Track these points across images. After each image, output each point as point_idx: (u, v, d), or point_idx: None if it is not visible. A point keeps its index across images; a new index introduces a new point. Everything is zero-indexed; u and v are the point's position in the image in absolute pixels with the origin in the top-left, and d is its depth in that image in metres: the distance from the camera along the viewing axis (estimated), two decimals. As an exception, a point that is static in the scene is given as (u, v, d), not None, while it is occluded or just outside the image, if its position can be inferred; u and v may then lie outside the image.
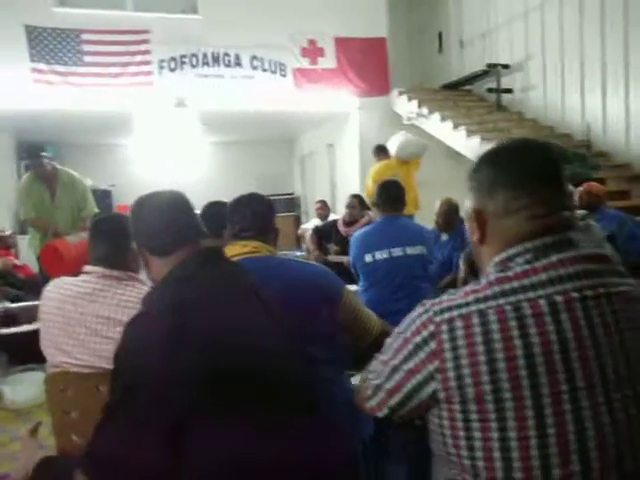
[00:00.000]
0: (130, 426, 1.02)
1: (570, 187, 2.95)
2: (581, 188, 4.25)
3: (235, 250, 1.66)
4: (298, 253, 6.79)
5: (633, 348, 0.88)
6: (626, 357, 0.87)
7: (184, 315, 1.12)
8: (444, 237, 4.24)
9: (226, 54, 7.24)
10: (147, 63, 6.87)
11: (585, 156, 5.33)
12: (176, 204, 1.35)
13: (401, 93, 7.73)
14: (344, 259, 4.32)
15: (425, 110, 7.17)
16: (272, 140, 10.38)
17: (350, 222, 4.61)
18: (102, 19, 6.72)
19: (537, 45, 6.93)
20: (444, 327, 0.90)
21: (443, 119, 6.89)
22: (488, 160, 1.00)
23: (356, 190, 7.72)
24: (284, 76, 7.45)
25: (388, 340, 1.03)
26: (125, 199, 9.39)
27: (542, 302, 0.87)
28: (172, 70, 7.03)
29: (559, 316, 0.86)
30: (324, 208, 6.46)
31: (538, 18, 6.89)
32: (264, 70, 7.38)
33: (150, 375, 1.04)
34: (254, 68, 7.35)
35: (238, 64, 7.30)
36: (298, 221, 10.17)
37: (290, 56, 7.48)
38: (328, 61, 7.68)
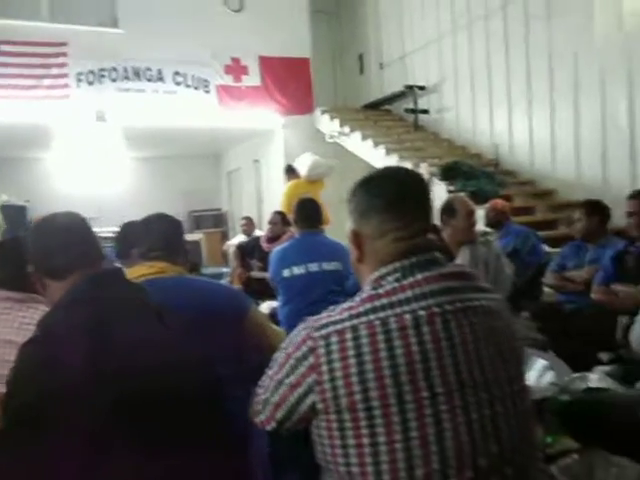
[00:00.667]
0: (24, 448, 1.03)
1: (472, 204, 3.17)
2: (487, 205, 4.53)
3: (141, 271, 1.68)
4: (224, 269, 6.77)
5: (487, 356, 0.99)
6: (481, 364, 0.98)
7: (89, 339, 1.13)
8: None
9: (148, 68, 7.17)
10: (64, 76, 6.69)
11: (493, 174, 5.68)
12: (71, 226, 1.35)
13: (324, 112, 7.92)
14: (267, 275, 4.37)
15: (347, 129, 7.39)
16: (198, 155, 10.29)
17: (272, 238, 4.69)
18: (17, 30, 6.49)
19: (450, 68, 7.33)
20: (321, 342, 0.97)
21: (364, 138, 7.13)
22: (362, 186, 1.10)
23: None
24: (208, 92, 7.46)
25: (275, 354, 1.10)
26: (41, 213, 8.97)
27: (407, 317, 0.96)
28: (91, 83, 6.88)
29: (421, 329, 0.96)
30: (249, 225, 6.49)
31: (450, 43, 7.30)
32: (187, 86, 7.36)
33: (45, 398, 1.05)
34: (177, 84, 7.32)
35: (160, 79, 7.25)
36: (225, 237, 10.10)
37: (213, 73, 7.51)
38: (252, 79, 7.77)
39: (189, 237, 6.42)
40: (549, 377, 1.89)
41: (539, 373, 1.93)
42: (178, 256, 1.78)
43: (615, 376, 2.27)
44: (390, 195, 1.06)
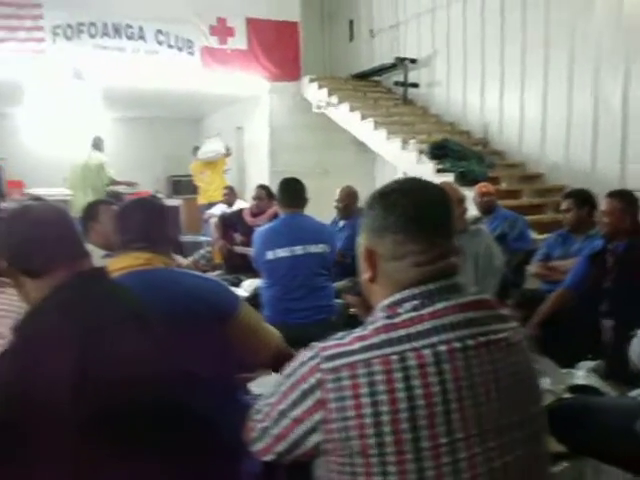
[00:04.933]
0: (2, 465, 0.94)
1: (461, 192, 3.08)
2: (476, 188, 4.45)
3: (127, 262, 1.57)
4: (203, 238, 6.63)
5: (509, 396, 0.91)
6: (501, 406, 0.90)
7: (69, 348, 1.04)
8: (341, 223, 4.34)
9: (128, 25, 6.82)
10: (39, 29, 6.32)
11: (482, 155, 5.59)
12: (54, 219, 1.23)
13: (312, 80, 7.70)
14: (250, 250, 4.26)
15: (335, 99, 7.20)
16: (179, 119, 9.98)
17: (257, 213, 4.55)
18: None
19: (442, 42, 7.14)
20: (330, 376, 0.88)
21: (352, 109, 6.95)
22: (378, 200, 0.99)
23: (266, 176, 7.65)
24: (191, 54, 7.16)
25: (278, 379, 1.00)
26: (16, 174, 8.67)
27: (426, 352, 0.87)
28: (68, 38, 6.53)
29: (442, 366, 0.87)
30: (230, 194, 6.34)
31: (444, 15, 7.08)
32: (170, 46, 7.04)
33: (30, 415, 0.96)
34: (159, 43, 7.00)
35: (141, 37, 6.92)
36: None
37: (198, 33, 7.19)
38: (238, 41, 7.47)
39: (168, 203, 6.27)
40: (545, 384, 1.85)
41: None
42: (162, 245, 1.66)
43: (599, 372, 2.26)
44: (408, 214, 0.94)
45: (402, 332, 0.89)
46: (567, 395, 1.94)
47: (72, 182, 7.01)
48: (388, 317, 0.92)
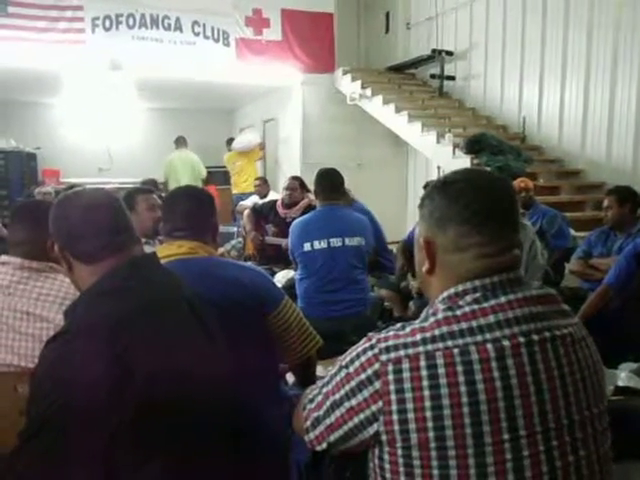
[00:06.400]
0: (47, 462, 0.94)
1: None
2: (515, 184, 4.35)
3: (171, 250, 1.57)
4: (234, 229, 6.67)
5: (572, 393, 0.89)
6: (567, 403, 0.88)
7: (119, 337, 1.03)
8: None
9: (166, 17, 6.86)
10: (79, 19, 6.41)
11: (520, 150, 5.47)
12: (107, 204, 1.22)
13: (345, 72, 7.64)
14: (282, 241, 4.26)
15: (368, 92, 7.12)
16: (211, 109, 10.03)
17: (290, 204, 4.55)
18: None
19: (481, 35, 7.00)
20: (390, 367, 0.87)
21: (385, 102, 6.88)
22: (440, 190, 0.96)
23: (298, 168, 7.64)
24: (227, 45, 7.18)
25: (330, 370, 0.99)
26: (52, 163, 8.84)
27: (489, 347, 0.85)
28: (107, 29, 6.60)
29: (505, 362, 0.85)
30: (263, 185, 6.35)
31: (483, 8, 6.95)
32: (206, 37, 7.07)
33: (74, 406, 0.95)
34: (196, 34, 7.03)
35: (178, 28, 6.95)
36: (236, 195, 9.96)
37: (234, 24, 7.19)
38: (273, 33, 7.45)
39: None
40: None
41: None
42: (207, 235, 1.66)
43: (643, 375, 2.19)
44: (475, 205, 0.92)
45: (464, 325, 0.87)
46: (614, 397, 1.89)
47: (168, 174, 7.75)
48: (449, 309, 0.90)
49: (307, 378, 1.63)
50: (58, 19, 6.32)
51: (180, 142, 8.01)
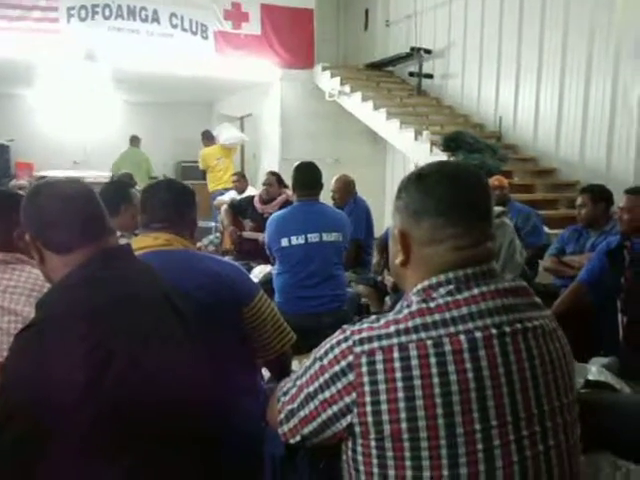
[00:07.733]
0: (17, 453, 0.92)
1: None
2: (490, 182, 4.40)
3: (146, 242, 1.55)
4: (212, 224, 6.63)
5: (543, 384, 0.90)
6: (537, 394, 0.89)
7: (95, 326, 1.01)
8: None
9: (143, 8, 6.77)
10: (53, 9, 6.28)
11: (496, 148, 5.53)
12: (81, 194, 1.20)
13: (324, 68, 7.63)
14: (259, 236, 4.25)
15: (347, 88, 7.14)
16: (189, 103, 9.91)
17: (267, 200, 4.53)
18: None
19: (459, 34, 7.06)
20: (364, 359, 0.87)
21: (364, 99, 6.89)
22: (416, 183, 0.96)
23: (276, 163, 7.61)
24: (205, 38, 7.11)
25: (305, 362, 0.99)
26: (25, 156, 8.65)
27: (462, 338, 0.86)
28: (82, 19, 6.48)
29: (477, 353, 0.86)
30: (241, 181, 6.29)
31: (462, 6, 7.01)
32: (184, 30, 6.99)
33: (45, 398, 0.94)
34: (174, 26, 6.94)
35: (156, 20, 6.86)
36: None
37: (212, 17, 7.13)
38: (252, 27, 7.41)
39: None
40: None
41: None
42: (183, 227, 1.64)
43: (612, 368, 2.24)
44: (449, 197, 0.92)
45: (437, 317, 0.88)
46: (583, 390, 1.93)
47: (119, 167, 7.71)
48: (423, 301, 0.90)
49: (283, 373, 1.63)
50: (32, 8, 6.18)
51: (134, 141, 8.25)
